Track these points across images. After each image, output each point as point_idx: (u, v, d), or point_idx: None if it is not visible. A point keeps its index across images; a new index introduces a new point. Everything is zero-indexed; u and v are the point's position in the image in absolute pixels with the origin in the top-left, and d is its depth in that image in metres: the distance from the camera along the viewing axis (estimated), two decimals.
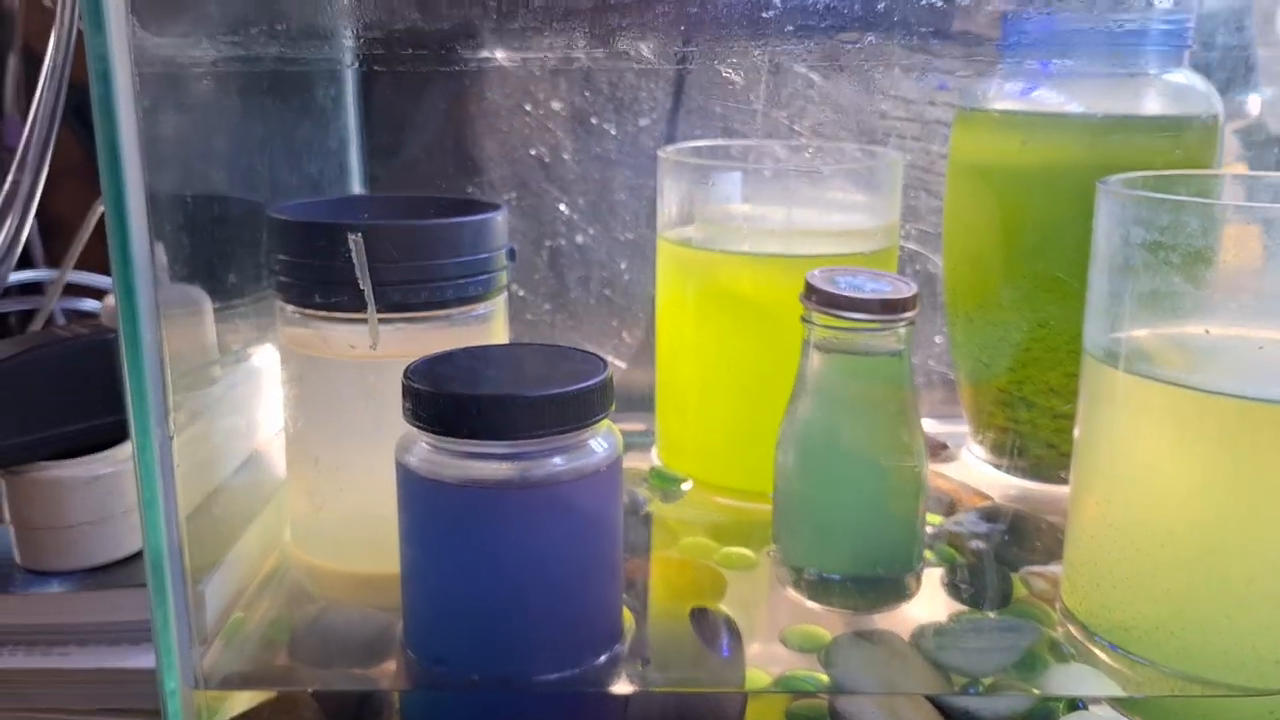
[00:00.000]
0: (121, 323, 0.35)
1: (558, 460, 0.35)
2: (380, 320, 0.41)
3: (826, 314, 0.44)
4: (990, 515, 0.53)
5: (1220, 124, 0.52)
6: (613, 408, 0.38)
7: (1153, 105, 0.51)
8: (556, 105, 0.63)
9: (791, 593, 0.45)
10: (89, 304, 0.60)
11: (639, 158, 0.64)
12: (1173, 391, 0.36)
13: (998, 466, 0.58)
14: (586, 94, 0.63)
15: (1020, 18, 0.53)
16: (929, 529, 0.51)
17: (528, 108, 0.63)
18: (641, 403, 0.64)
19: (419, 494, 0.36)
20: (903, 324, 0.44)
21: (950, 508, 0.54)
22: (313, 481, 0.44)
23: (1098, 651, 0.40)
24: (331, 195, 0.57)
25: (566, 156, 0.63)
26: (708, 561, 0.49)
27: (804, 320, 0.45)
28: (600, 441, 0.37)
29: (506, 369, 0.38)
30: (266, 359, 0.50)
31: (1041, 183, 0.52)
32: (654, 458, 0.59)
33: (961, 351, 0.58)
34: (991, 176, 0.54)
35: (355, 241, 0.37)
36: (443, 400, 0.34)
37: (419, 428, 0.35)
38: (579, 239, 0.65)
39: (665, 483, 0.56)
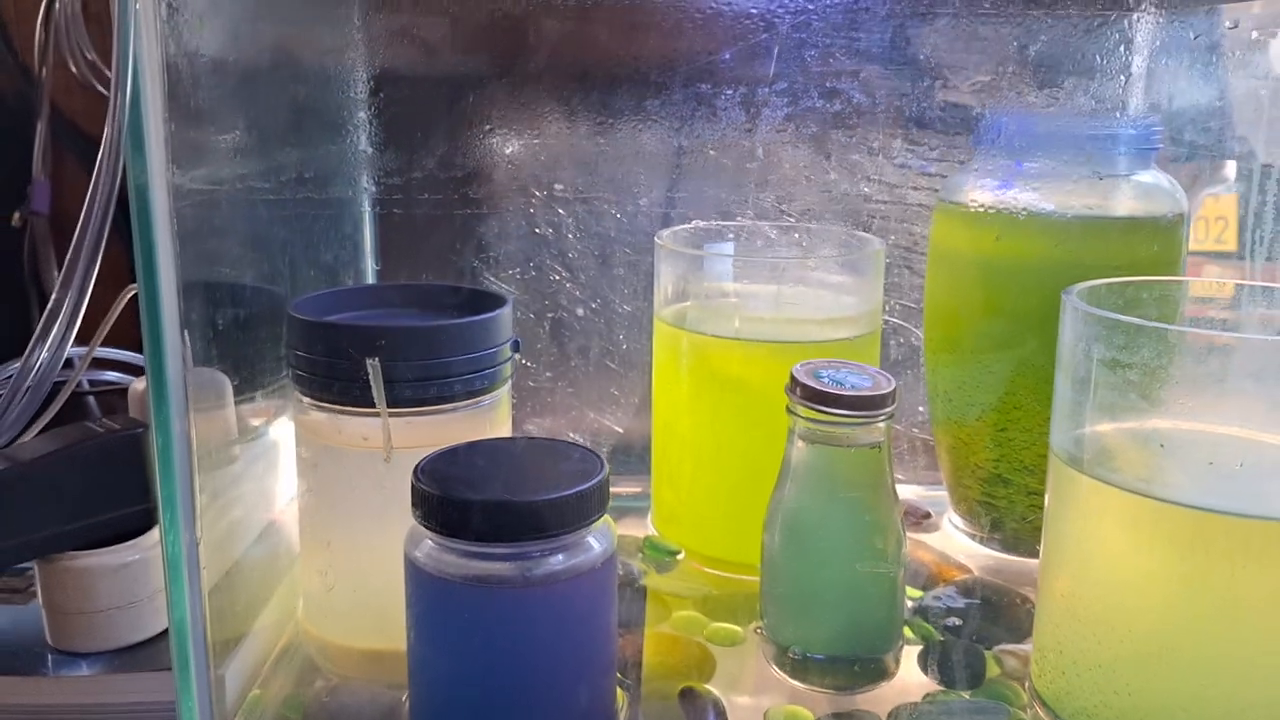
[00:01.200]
0: (155, 424, 0.38)
1: (558, 559, 0.38)
2: (391, 414, 0.44)
3: (809, 407, 0.47)
4: (966, 590, 0.55)
5: (1185, 221, 0.55)
6: (609, 504, 0.40)
7: (1121, 206, 0.54)
8: (559, 187, 0.66)
9: (776, 671, 0.48)
10: (111, 374, 0.62)
11: (636, 235, 0.67)
12: (1129, 498, 0.39)
13: (976, 538, 0.61)
14: (588, 175, 0.66)
15: (997, 116, 0.56)
16: (908, 603, 0.54)
17: (534, 190, 0.66)
18: (640, 463, 0.67)
19: (425, 588, 0.38)
20: (882, 419, 0.47)
21: (929, 581, 0.57)
22: (325, 561, 0.47)
23: None
24: (346, 284, 0.60)
25: (569, 235, 0.66)
26: (698, 638, 0.51)
27: (789, 411, 0.48)
28: (597, 538, 0.40)
29: (509, 469, 0.40)
30: (281, 431, 0.53)
31: (1014, 276, 0.55)
32: (649, 525, 0.62)
33: (940, 427, 0.61)
34: (967, 267, 0.57)
35: (373, 366, 0.40)
36: (449, 504, 0.37)
37: (427, 528, 0.38)
38: (580, 311, 0.68)
39: (659, 554, 0.59)
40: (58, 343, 0.39)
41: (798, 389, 0.47)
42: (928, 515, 0.65)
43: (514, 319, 0.62)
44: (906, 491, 0.68)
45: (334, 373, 0.43)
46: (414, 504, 0.38)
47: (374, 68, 0.64)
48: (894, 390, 0.47)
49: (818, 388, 0.46)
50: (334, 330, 0.43)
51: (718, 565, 0.57)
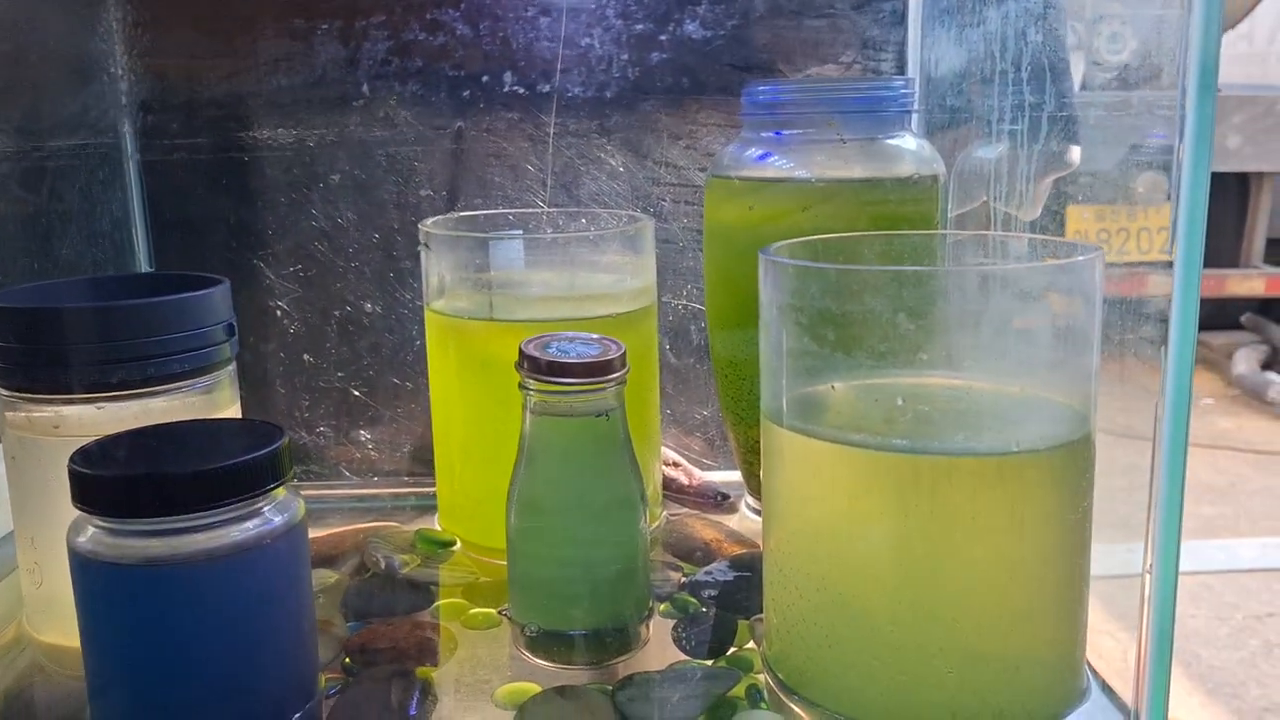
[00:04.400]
0: None
1: (228, 532, 0.36)
2: (82, 400, 0.42)
3: (537, 379, 0.45)
4: (739, 564, 0.54)
5: (941, 182, 0.55)
6: (289, 477, 0.39)
7: (864, 169, 0.54)
8: (336, 178, 0.65)
9: (520, 651, 0.46)
10: None
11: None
12: (808, 443, 0.38)
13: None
14: (367, 168, 0.65)
15: (754, 88, 0.56)
16: (681, 579, 0.53)
17: (309, 183, 0.65)
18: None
19: (81, 574, 0.36)
20: (611, 384, 0.46)
21: (705, 558, 0.56)
22: (30, 559, 0.45)
23: (784, 697, 0.41)
24: (84, 276, 0.58)
25: (349, 228, 0.65)
26: (452, 624, 0.49)
27: (520, 387, 0.46)
28: (275, 511, 0.38)
29: (179, 448, 0.39)
30: None
31: (767, 243, 0.54)
32: (435, 520, 0.60)
33: (724, 405, 0.61)
34: (731, 239, 0.57)
35: None
36: (100, 482, 0.35)
37: (81, 509, 0.36)
38: (367, 307, 0.66)
39: (431, 546, 0.57)
40: None
41: (525, 362, 0.46)
42: (726, 497, 0.64)
43: (295, 320, 0.60)
44: (716, 477, 0.67)
45: (16, 359, 0.42)
46: (70, 487, 0.37)
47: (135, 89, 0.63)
48: (621, 355, 0.46)
49: (541, 358, 0.45)
50: (12, 314, 0.41)
51: (490, 554, 0.56)
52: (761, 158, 0.56)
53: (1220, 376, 3.08)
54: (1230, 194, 3.14)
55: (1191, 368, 0.37)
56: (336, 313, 0.66)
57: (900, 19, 0.64)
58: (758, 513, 0.60)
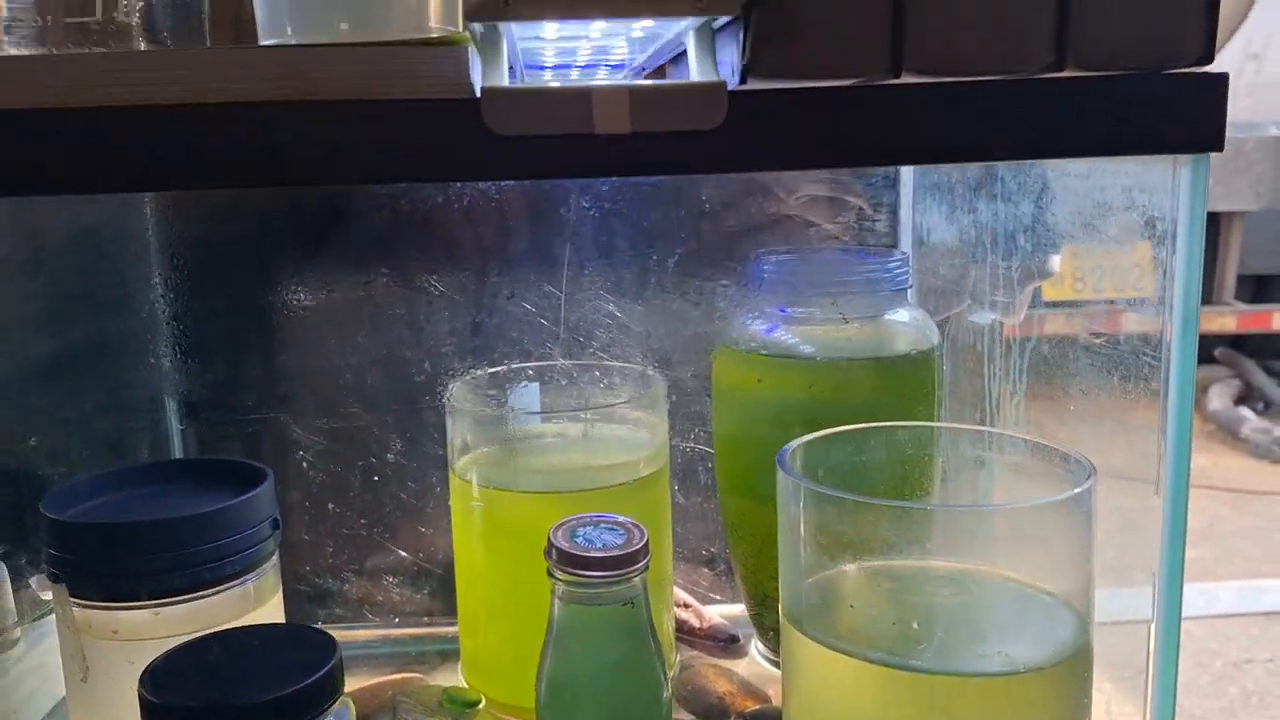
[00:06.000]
0: None
1: None
2: (141, 607, 0.45)
3: (562, 570, 0.48)
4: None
5: (936, 354, 0.59)
6: (342, 689, 0.41)
7: (869, 347, 0.57)
8: (362, 338, 0.68)
9: None
10: None
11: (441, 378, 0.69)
12: (831, 656, 0.41)
13: (775, 664, 0.63)
14: (390, 327, 0.68)
15: (761, 261, 0.60)
16: None
17: (336, 339, 0.68)
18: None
19: None
20: (635, 575, 0.49)
21: (721, 713, 0.58)
22: None
23: None
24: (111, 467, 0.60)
25: (372, 383, 0.68)
26: None
27: (549, 575, 0.49)
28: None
29: (237, 664, 0.41)
30: None
31: (776, 415, 0.58)
32: (459, 673, 0.63)
33: (734, 556, 0.64)
34: (740, 406, 0.60)
35: (58, 591, 0.41)
36: (167, 713, 0.38)
37: None
38: (389, 457, 0.69)
39: (458, 706, 0.59)
40: None
41: (552, 551, 0.49)
42: (736, 639, 0.67)
43: (321, 471, 0.63)
44: (721, 611, 0.70)
45: (77, 569, 0.44)
46: (141, 713, 0.39)
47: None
48: (645, 544, 0.49)
49: (568, 550, 0.48)
50: (73, 529, 0.44)
51: (515, 713, 0.58)
52: (769, 331, 0.59)
53: (1195, 412, 3.12)
54: None
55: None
56: (360, 463, 0.69)
57: (893, 184, 0.68)
58: (769, 659, 0.63)
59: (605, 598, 0.49)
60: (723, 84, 0.33)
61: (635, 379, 0.64)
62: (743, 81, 0.34)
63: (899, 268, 0.59)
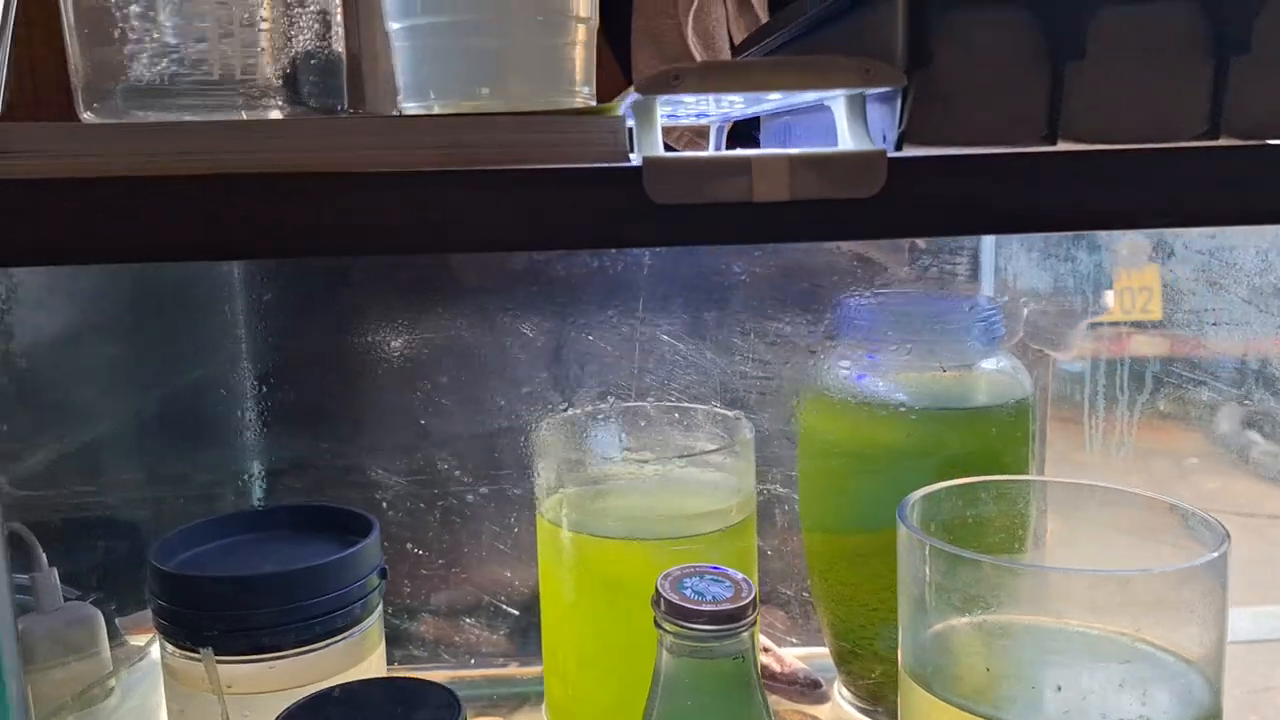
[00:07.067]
0: None
1: None
2: (253, 660, 0.44)
3: (672, 622, 0.48)
4: None
5: (1031, 403, 0.58)
6: None
7: (966, 397, 0.57)
8: (443, 378, 0.68)
9: None
10: None
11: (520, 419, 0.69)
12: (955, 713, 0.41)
13: (862, 710, 0.62)
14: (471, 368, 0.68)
15: (848, 305, 0.60)
16: None
17: (416, 380, 0.68)
18: (536, 645, 0.67)
19: None
20: (744, 630, 0.48)
21: None
22: None
23: None
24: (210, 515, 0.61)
25: (452, 425, 0.68)
26: None
27: (656, 625, 0.49)
28: None
29: None
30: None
31: (869, 463, 0.57)
32: (544, 714, 0.62)
33: (820, 601, 0.63)
34: (830, 452, 0.59)
35: (205, 654, 0.40)
36: None
37: None
38: (469, 498, 0.69)
39: None
40: None
41: (661, 603, 0.48)
42: (817, 685, 0.66)
43: (404, 508, 0.62)
44: (799, 654, 0.69)
45: (193, 623, 0.44)
46: None
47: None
48: (754, 599, 0.49)
49: (680, 603, 0.48)
50: (187, 582, 0.44)
51: None
52: (859, 378, 0.59)
53: (1204, 434, 3.11)
54: None
55: None
56: (440, 503, 0.69)
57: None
58: (854, 705, 0.63)
59: (716, 651, 0.48)
60: (882, 153, 0.33)
61: (720, 423, 0.64)
62: (898, 148, 0.34)
63: (993, 314, 0.58)
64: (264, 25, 0.34)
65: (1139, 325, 0.69)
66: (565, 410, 0.64)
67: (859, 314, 0.59)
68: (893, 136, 0.34)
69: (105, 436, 0.56)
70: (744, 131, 0.64)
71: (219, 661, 0.45)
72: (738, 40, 0.75)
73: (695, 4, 0.74)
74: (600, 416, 0.65)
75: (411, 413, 0.68)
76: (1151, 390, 0.45)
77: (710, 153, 0.33)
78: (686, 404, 0.68)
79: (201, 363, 0.63)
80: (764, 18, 0.73)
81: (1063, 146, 0.34)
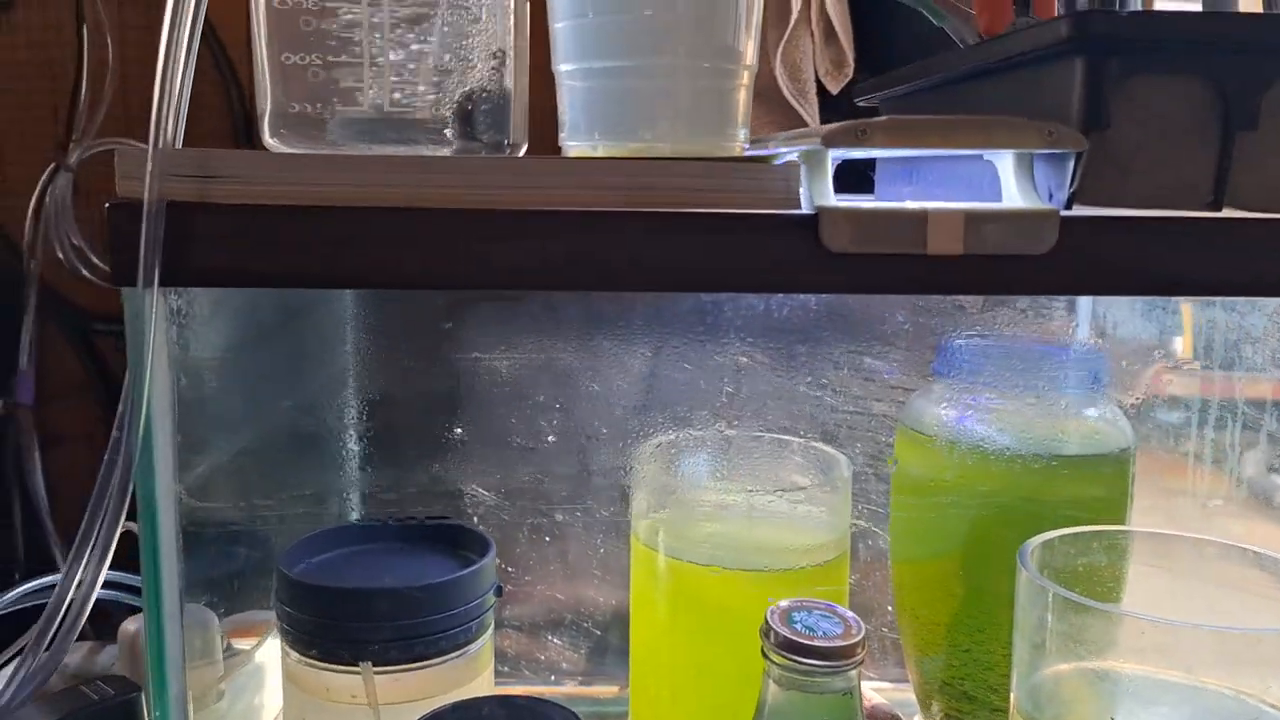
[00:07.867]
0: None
1: None
2: (377, 673, 0.45)
3: (783, 655, 0.49)
4: None
5: (1132, 454, 0.59)
6: None
7: (1072, 444, 0.57)
8: (542, 398, 0.69)
9: None
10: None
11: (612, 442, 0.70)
12: None
13: None
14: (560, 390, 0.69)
15: (952, 346, 0.60)
16: None
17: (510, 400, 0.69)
18: (619, 662, 0.68)
19: None
20: (853, 667, 0.49)
21: None
22: None
23: None
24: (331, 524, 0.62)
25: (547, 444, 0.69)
26: None
27: (764, 655, 0.49)
28: None
29: None
30: (267, 654, 0.54)
31: (971, 505, 0.57)
32: None
33: (907, 639, 0.63)
34: (926, 492, 0.60)
35: (365, 668, 0.41)
36: None
37: None
38: (559, 517, 0.70)
39: None
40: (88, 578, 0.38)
41: (771, 634, 0.49)
42: (897, 719, 0.66)
43: (497, 524, 0.63)
44: (875, 688, 0.70)
45: (323, 633, 0.45)
46: None
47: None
48: (863, 638, 0.49)
49: (792, 637, 0.48)
50: (322, 593, 0.45)
51: None
52: (960, 420, 0.60)
53: (1230, 476, 3.07)
54: None
55: None
56: (530, 521, 0.70)
57: None
58: None
59: (825, 686, 0.49)
60: (1056, 211, 0.33)
61: (816, 457, 0.65)
62: (1068, 206, 0.34)
63: (1098, 362, 0.59)
64: (456, 66, 0.35)
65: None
66: (663, 437, 0.65)
67: (962, 355, 0.60)
68: (1062, 196, 0.34)
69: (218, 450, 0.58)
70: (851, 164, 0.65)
71: (335, 671, 0.46)
72: (821, 72, 0.76)
73: (785, 37, 0.75)
74: (699, 444, 0.65)
75: (507, 434, 0.69)
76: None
77: (886, 204, 0.33)
78: (783, 435, 0.69)
79: (314, 382, 0.65)
80: (849, 51, 0.74)
81: (1228, 213, 0.34)
